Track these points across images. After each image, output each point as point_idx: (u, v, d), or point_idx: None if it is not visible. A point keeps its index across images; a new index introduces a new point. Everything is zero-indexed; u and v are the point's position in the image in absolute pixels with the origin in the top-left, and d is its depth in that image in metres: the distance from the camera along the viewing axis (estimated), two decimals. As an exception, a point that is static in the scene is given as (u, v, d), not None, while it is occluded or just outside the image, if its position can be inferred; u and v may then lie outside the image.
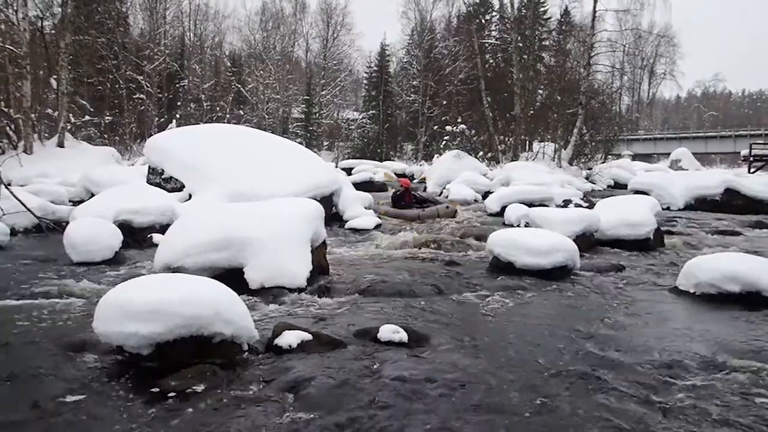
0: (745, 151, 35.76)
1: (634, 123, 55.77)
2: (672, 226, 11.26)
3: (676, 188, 15.52)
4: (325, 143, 51.75)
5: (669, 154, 40.54)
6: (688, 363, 3.67)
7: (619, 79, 48.40)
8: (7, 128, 18.10)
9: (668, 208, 14.48)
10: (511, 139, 27.36)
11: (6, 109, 18.30)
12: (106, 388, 3.09)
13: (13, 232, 8.22)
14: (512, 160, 24.31)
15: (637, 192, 14.75)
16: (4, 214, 8.19)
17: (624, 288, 5.98)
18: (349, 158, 37.42)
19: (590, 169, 24.38)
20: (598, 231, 8.62)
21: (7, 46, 18.37)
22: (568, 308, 5.16)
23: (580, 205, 12.88)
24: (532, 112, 27.74)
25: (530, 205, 11.15)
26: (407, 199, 12.45)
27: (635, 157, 40.69)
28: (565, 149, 24.74)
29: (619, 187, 22.30)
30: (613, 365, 3.59)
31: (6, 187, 8.47)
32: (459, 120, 30.14)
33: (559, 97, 26.15)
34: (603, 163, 26.37)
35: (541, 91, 28.32)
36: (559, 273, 6.33)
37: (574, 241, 6.93)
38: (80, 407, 2.87)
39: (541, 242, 6.48)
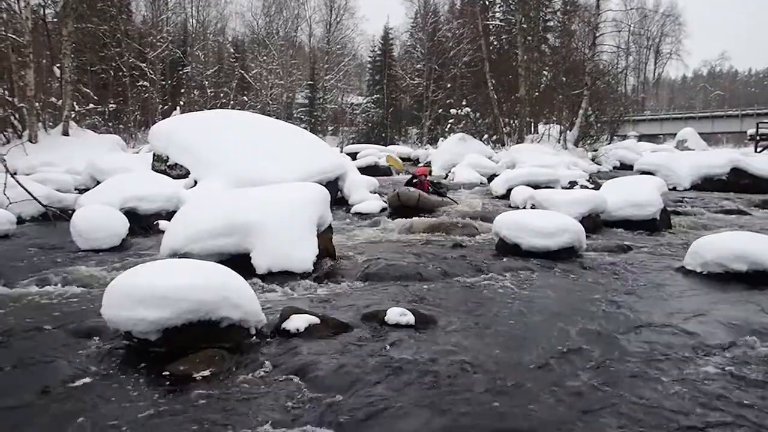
0: (751, 131, 35.42)
1: (640, 103, 55.33)
2: (678, 206, 11.22)
3: (682, 168, 15.45)
4: (330, 128, 51.59)
5: (675, 134, 40.27)
6: (696, 342, 3.67)
7: (624, 60, 48.09)
8: (12, 117, 18.11)
9: (674, 189, 14.42)
10: (516, 121, 27.25)
11: (10, 99, 18.30)
12: (115, 374, 3.11)
13: (20, 221, 8.25)
14: (517, 143, 24.24)
15: (643, 173, 14.67)
16: (10, 203, 8.20)
17: (631, 268, 5.96)
18: (353, 143, 37.29)
19: (596, 150, 24.30)
20: (604, 212, 8.60)
21: (9, 35, 18.33)
22: (575, 289, 5.15)
23: (586, 187, 12.84)
24: (537, 93, 27.57)
25: (536, 187, 11.11)
26: (424, 188, 11.12)
27: (641, 137, 40.46)
28: (570, 131, 24.63)
29: (625, 168, 22.22)
30: (620, 345, 3.59)
31: (12, 176, 8.46)
32: (464, 103, 30.00)
33: (564, 79, 26.00)
34: (609, 144, 26.26)
35: (546, 73, 28.11)
36: (566, 254, 6.32)
37: (581, 222, 6.92)
38: (89, 392, 2.89)
39: (547, 224, 6.46)
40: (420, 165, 21.67)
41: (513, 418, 2.66)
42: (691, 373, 3.18)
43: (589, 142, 25.22)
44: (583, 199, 8.43)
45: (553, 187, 12.02)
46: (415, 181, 11.33)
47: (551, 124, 26.03)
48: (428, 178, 10.85)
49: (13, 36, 18.34)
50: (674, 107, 66.88)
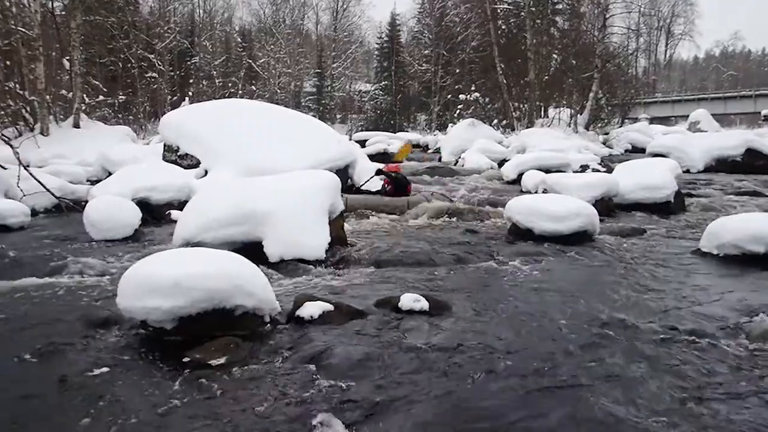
0: (766, 111, 35.04)
1: (651, 85, 54.79)
2: (692, 188, 11.13)
3: (695, 150, 15.32)
4: (338, 116, 51.51)
5: (687, 116, 39.83)
6: (713, 325, 3.64)
7: (635, 41, 47.56)
8: (23, 111, 18.19)
9: (688, 171, 14.30)
10: (525, 105, 27.08)
11: (21, 92, 18.37)
12: (132, 362, 3.12)
13: (34, 213, 8.28)
14: (527, 127, 24.08)
15: (655, 155, 14.56)
16: (24, 195, 8.26)
17: (646, 251, 5.92)
18: (362, 130, 37.22)
19: (607, 133, 24.09)
20: (617, 195, 8.54)
21: (18, 28, 18.37)
22: (590, 273, 5.12)
23: (597, 170, 12.77)
24: (546, 77, 27.36)
25: (547, 171, 11.05)
26: (384, 184, 9.79)
27: (652, 120, 40.09)
28: (581, 114, 24.44)
29: (636, 151, 22.03)
30: (637, 330, 3.56)
31: (25, 168, 8.52)
32: (473, 88, 29.83)
33: (574, 62, 25.77)
34: (620, 127, 26.04)
35: (555, 56, 27.87)
36: (579, 238, 6.28)
37: (593, 205, 6.86)
38: (106, 381, 2.89)
39: (559, 208, 6.42)
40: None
41: (529, 403, 2.64)
42: (710, 357, 3.15)
43: (599, 125, 25.02)
44: (596, 183, 8.37)
45: (564, 171, 11.94)
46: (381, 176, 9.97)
47: (561, 108, 25.84)
48: (395, 175, 9.51)
49: (23, 29, 18.38)
50: (686, 89, 66.21)
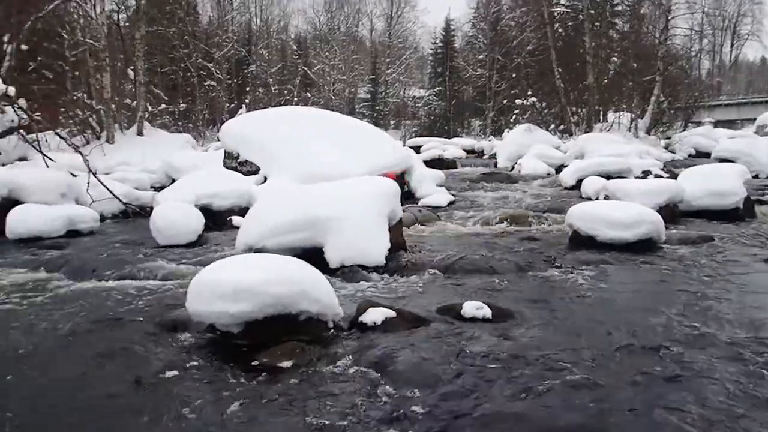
0: (839, 113, 33.34)
1: (716, 88, 52.89)
2: (762, 194, 10.67)
3: (764, 154, 14.70)
4: (392, 122, 51.65)
5: (754, 119, 38.24)
6: (793, 337, 3.48)
7: (698, 43, 46.03)
8: (90, 119, 18.91)
9: (757, 176, 13.73)
10: (584, 110, 26.57)
11: (89, 101, 19.11)
12: (201, 364, 3.20)
13: (102, 218, 8.61)
14: (586, 132, 23.59)
15: (721, 160, 14.04)
16: (93, 201, 8.59)
17: (715, 260, 5.71)
18: (416, 136, 37.19)
19: (669, 138, 23.38)
20: (682, 202, 8.28)
21: (86, 40, 19.15)
22: (656, 282, 4.98)
23: (660, 176, 12.37)
24: (605, 80, 26.78)
25: (607, 177, 10.78)
26: None
27: (717, 123, 38.65)
28: (641, 118, 23.81)
29: (700, 156, 21.27)
30: (706, 342, 3.43)
31: (94, 175, 8.87)
32: (529, 92, 29.42)
33: (634, 65, 25.13)
34: (682, 131, 25.25)
35: (615, 59, 27.25)
36: (644, 246, 6.10)
37: (657, 212, 6.66)
38: (178, 381, 2.99)
39: (623, 214, 6.26)
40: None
41: (595, 418, 2.57)
42: (790, 370, 3.01)
43: (661, 129, 24.31)
44: (660, 189, 8.14)
45: (625, 177, 11.63)
46: None
47: (621, 112, 25.22)
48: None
49: (90, 41, 19.14)
50: (753, 91, 63.59)
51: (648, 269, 5.41)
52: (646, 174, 13.03)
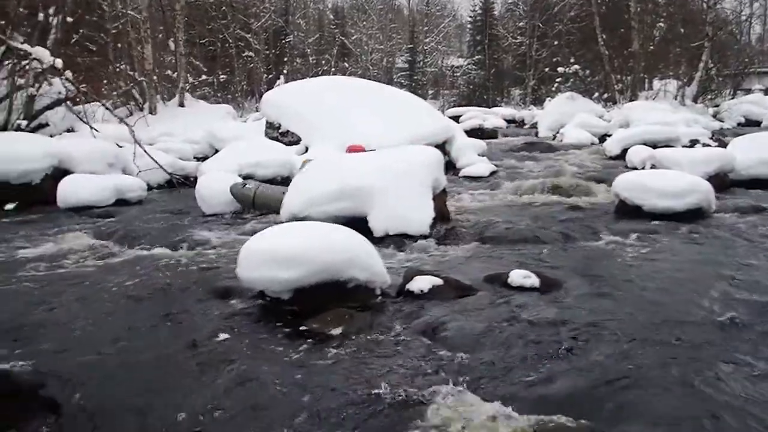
0: None
1: (767, 54, 50.89)
2: (817, 163, 10.28)
3: (819, 122, 14.14)
4: (430, 92, 51.15)
5: (808, 86, 36.81)
6: None
7: (749, 6, 44.17)
8: (133, 91, 19.18)
9: (811, 145, 13.21)
10: (628, 77, 25.79)
11: (131, 73, 19.37)
12: (253, 330, 3.27)
13: (148, 188, 8.78)
14: (630, 100, 22.95)
15: (774, 128, 13.56)
16: (140, 171, 8.74)
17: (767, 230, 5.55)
18: (455, 106, 36.78)
19: (717, 105, 22.62)
20: (732, 171, 8.04)
21: (128, 12, 19.34)
22: (706, 252, 4.86)
23: (708, 145, 12.02)
24: (651, 47, 25.93)
25: (653, 146, 10.51)
26: None
27: (768, 91, 37.30)
28: (689, 86, 23.06)
29: (750, 124, 20.56)
30: (759, 317, 3.34)
31: (140, 146, 9.00)
32: (571, 60, 28.73)
33: (681, 30, 24.27)
34: (731, 99, 24.40)
35: (661, 25, 26.34)
36: (693, 216, 5.95)
37: (707, 181, 6.48)
38: (229, 345, 3.06)
39: (672, 184, 6.12)
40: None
41: (644, 388, 2.54)
42: None
43: (709, 97, 23.51)
44: (710, 158, 7.92)
45: (672, 146, 11.33)
46: None
47: (667, 80, 24.45)
48: None
49: (132, 13, 19.32)
50: (806, 56, 60.98)
51: (697, 240, 5.28)
52: (693, 143, 12.67)
